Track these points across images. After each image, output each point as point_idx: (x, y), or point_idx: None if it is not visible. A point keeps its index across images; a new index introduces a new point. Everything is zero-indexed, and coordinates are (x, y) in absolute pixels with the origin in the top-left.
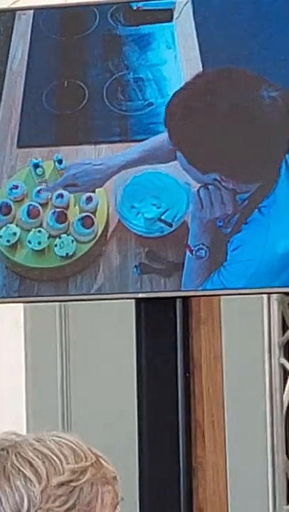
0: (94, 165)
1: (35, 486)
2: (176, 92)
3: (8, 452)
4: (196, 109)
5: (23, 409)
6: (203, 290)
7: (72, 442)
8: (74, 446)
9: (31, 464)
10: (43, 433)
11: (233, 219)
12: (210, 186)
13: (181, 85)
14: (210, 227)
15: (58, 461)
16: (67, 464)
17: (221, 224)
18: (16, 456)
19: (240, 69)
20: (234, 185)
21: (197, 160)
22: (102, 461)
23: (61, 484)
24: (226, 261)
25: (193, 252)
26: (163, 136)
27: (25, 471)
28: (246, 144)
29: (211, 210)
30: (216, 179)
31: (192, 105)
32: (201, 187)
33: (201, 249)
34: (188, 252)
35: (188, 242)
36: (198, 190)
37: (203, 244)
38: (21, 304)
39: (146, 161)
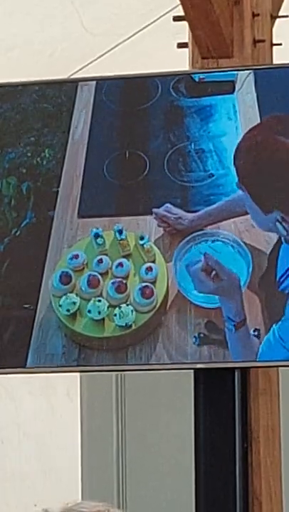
0: None
1: None
2: (249, 129)
3: None
4: (262, 148)
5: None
6: (262, 361)
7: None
8: None
9: None
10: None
11: None
12: None
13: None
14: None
15: None
16: None
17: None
18: None
19: None
20: None
21: (260, 198)
22: None
23: None
24: (283, 315)
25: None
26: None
27: None
28: None
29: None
30: (277, 219)
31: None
32: None
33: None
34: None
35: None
36: None
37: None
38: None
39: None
